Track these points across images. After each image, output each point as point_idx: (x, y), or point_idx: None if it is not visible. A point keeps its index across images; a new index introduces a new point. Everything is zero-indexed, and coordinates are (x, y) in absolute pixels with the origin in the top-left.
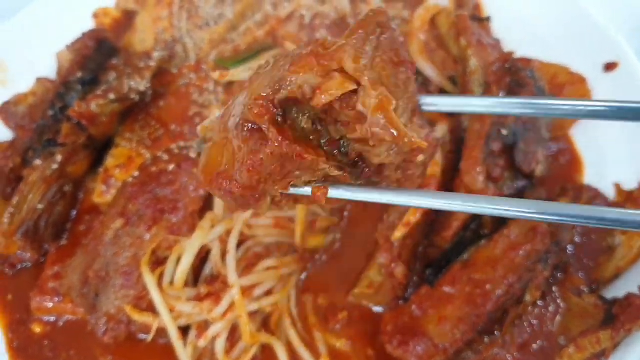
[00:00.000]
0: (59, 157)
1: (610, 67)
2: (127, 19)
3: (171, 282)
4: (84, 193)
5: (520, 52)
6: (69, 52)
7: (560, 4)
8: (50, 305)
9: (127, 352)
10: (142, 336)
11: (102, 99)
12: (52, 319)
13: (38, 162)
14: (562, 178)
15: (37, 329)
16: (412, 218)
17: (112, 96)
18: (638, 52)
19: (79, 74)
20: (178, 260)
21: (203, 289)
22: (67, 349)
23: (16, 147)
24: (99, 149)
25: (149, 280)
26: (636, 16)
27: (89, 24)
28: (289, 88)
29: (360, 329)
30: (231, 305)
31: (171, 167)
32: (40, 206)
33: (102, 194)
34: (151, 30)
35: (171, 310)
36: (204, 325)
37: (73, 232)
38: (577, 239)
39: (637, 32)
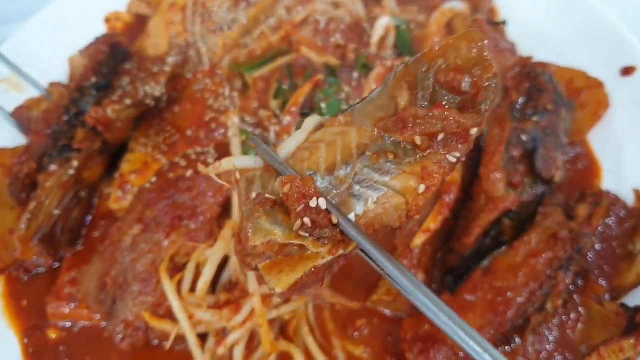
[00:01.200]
0: (75, 163)
1: (627, 71)
2: (139, 23)
3: (190, 289)
4: (99, 198)
5: (535, 56)
6: (81, 57)
7: (574, 8)
8: (67, 311)
9: (144, 358)
10: (156, 342)
11: (118, 105)
12: (68, 324)
13: (53, 167)
14: (581, 183)
15: (52, 334)
16: (432, 225)
17: (128, 101)
18: None
19: (93, 79)
20: (197, 267)
21: (222, 297)
22: (83, 355)
23: (31, 153)
24: (114, 154)
25: (168, 287)
26: None
27: (101, 28)
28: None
29: (379, 336)
30: (250, 313)
31: (189, 173)
32: (56, 212)
33: (118, 199)
34: (164, 34)
35: (190, 318)
36: (222, 333)
37: (88, 237)
38: (597, 246)
39: None
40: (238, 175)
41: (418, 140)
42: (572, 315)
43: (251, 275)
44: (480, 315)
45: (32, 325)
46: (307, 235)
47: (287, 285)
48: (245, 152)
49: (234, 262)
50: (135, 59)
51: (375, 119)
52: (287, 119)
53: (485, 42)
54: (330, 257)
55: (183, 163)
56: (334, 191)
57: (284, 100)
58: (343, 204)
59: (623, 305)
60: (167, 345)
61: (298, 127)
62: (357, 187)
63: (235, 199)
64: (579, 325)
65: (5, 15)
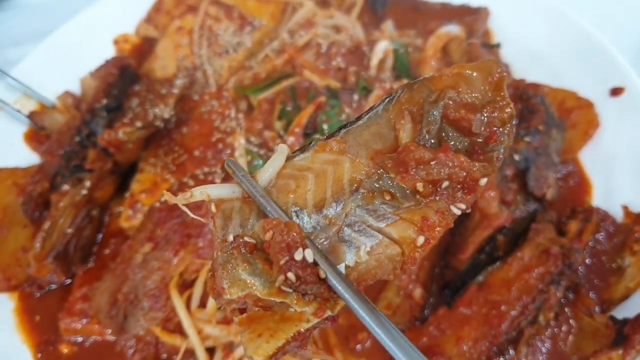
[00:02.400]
0: (87, 183)
1: (616, 92)
2: (146, 45)
3: (199, 305)
4: (109, 217)
5: (528, 77)
6: (92, 78)
7: (566, 29)
8: (79, 326)
9: None
10: (164, 356)
11: (129, 127)
12: (80, 339)
13: (66, 187)
14: (572, 200)
15: (64, 349)
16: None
17: (138, 124)
18: None
19: (104, 101)
20: (205, 283)
21: (229, 312)
22: None
23: (44, 172)
24: (124, 174)
25: (178, 303)
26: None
27: (110, 50)
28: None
29: (380, 348)
30: None
31: None
32: (69, 230)
33: (128, 218)
34: (172, 57)
35: (199, 332)
36: (229, 347)
37: (99, 255)
38: (587, 261)
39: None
40: (213, 208)
41: (420, 186)
42: (564, 328)
43: None
44: (475, 328)
45: (45, 340)
46: (290, 291)
47: (266, 354)
48: (251, 171)
49: None
50: (143, 80)
51: (372, 150)
52: (290, 140)
53: (504, 75)
54: (316, 321)
55: (191, 183)
56: (322, 234)
57: (287, 121)
58: (332, 251)
59: (612, 318)
60: (177, 359)
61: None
62: (347, 231)
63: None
64: (570, 337)
65: (16, 37)
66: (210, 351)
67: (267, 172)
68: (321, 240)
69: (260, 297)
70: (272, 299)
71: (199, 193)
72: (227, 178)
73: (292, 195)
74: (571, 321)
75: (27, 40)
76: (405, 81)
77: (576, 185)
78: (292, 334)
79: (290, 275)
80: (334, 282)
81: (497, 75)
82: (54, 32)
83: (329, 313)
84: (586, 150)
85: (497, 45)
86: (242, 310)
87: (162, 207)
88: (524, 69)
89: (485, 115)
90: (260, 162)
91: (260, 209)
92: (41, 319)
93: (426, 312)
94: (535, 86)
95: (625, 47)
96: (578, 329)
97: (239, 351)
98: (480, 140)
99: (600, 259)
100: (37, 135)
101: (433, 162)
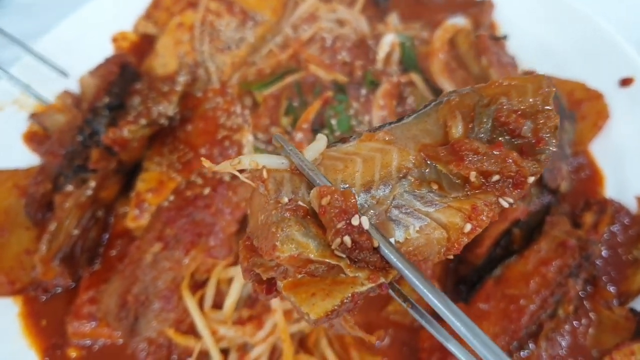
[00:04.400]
0: (92, 183)
1: (625, 82)
2: (145, 42)
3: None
4: (115, 217)
5: (536, 69)
6: (91, 77)
7: (573, 21)
8: (87, 329)
9: None
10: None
11: (134, 125)
12: (88, 343)
13: (69, 187)
14: (585, 192)
15: (72, 353)
16: None
17: (143, 121)
18: None
19: (106, 100)
20: (217, 283)
21: (244, 313)
22: None
23: (46, 173)
24: (128, 174)
25: (191, 303)
26: None
27: (108, 48)
28: None
29: (395, 346)
30: (272, 328)
31: (206, 190)
32: (75, 232)
33: (135, 218)
34: (172, 54)
35: (213, 333)
36: (243, 348)
37: (105, 256)
38: (604, 253)
39: None
40: (265, 174)
41: (472, 176)
42: (583, 321)
43: None
44: (494, 323)
45: (52, 344)
46: (343, 256)
47: (323, 312)
48: None
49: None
50: (144, 78)
51: (420, 143)
52: (299, 136)
53: (553, 90)
54: (370, 285)
55: (200, 181)
56: (371, 211)
57: (294, 117)
58: (381, 227)
59: (632, 310)
60: None
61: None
62: (395, 212)
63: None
64: (590, 331)
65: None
66: (224, 353)
67: (311, 151)
68: (370, 217)
69: (313, 259)
70: (326, 260)
71: (248, 161)
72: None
73: (340, 175)
74: (590, 314)
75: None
76: (413, 74)
77: (588, 177)
78: (348, 295)
79: (347, 239)
80: (387, 251)
81: (546, 89)
82: (49, 31)
83: (382, 280)
84: (596, 142)
85: (504, 37)
86: (267, 288)
87: (171, 206)
88: (530, 61)
89: (534, 122)
90: None
91: (309, 183)
92: (47, 323)
93: None
94: None
95: (630, 38)
96: (597, 322)
97: (254, 352)
98: (528, 143)
99: (616, 251)
100: (36, 136)
101: (487, 155)
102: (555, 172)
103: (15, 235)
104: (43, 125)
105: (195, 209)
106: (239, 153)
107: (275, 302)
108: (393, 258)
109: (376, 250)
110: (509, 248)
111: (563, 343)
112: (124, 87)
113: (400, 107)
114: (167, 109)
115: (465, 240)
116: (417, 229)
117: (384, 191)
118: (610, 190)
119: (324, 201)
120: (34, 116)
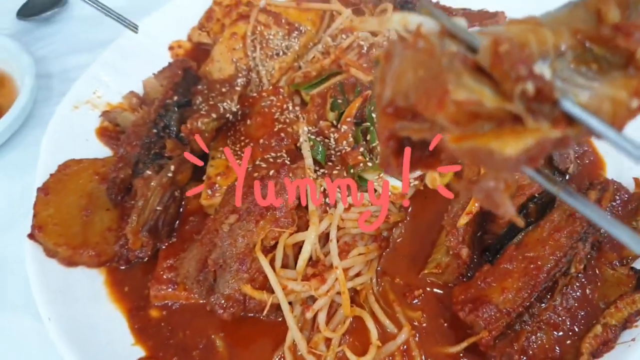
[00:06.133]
0: (172, 167)
1: None
2: (198, 51)
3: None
4: (186, 199)
5: None
6: (156, 79)
7: None
8: (167, 292)
9: (237, 328)
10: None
11: (207, 118)
12: (168, 303)
13: (148, 172)
14: (589, 175)
15: (154, 313)
16: (474, 208)
17: (214, 115)
18: None
19: (175, 98)
20: (283, 247)
21: (309, 270)
22: (183, 329)
23: (125, 161)
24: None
25: (264, 263)
26: None
27: (166, 55)
28: None
29: (432, 303)
30: (333, 283)
31: (271, 172)
32: (158, 208)
33: (208, 197)
34: (227, 59)
35: (283, 289)
36: (306, 302)
37: (180, 231)
38: None
39: None
40: (423, 29)
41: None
42: (591, 279)
43: (334, 252)
44: (517, 279)
45: (135, 306)
46: (521, 106)
47: (520, 148)
48: (314, 155)
49: (315, 243)
50: (203, 81)
51: (572, 27)
52: (344, 128)
53: None
54: (557, 133)
55: (263, 165)
56: None
57: (339, 112)
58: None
59: (632, 268)
60: (264, 313)
61: (353, 135)
62: (558, 82)
63: (398, 68)
64: (597, 286)
65: (74, 45)
66: (290, 305)
67: (459, 22)
68: None
69: (489, 107)
70: (505, 106)
71: (398, 19)
72: (294, 161)
73: None
74: (597, 272)
75: (83, 49)
76: None
77: (591, 162)
78: (540, 138)
79: (529, 86)
80: (570, 105)
81: None
82: (114, 40)
83: (569, 132)
84: None
85: None
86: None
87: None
88: None
89: None
90: (321, 148)
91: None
92: (129, 289)
93: (469, 274)
94: None
95: None
96: (602, 280)
97: (318, 304)
98: None
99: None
100: (106, 131)
101: None
102: (565, 156)
103: (99, 215)
104: (114, 122)
105: (262, 187)
106: (295, 142)
107: (336, 261)
108: (579, 111)
109: (555, 105)
110: (527, 219)
111: (575, 295)
112: (187, 88)
113: None
114: (231, 105)
115: (630, 117)
116: (587, 97)
117: (543, 64)
118: (611, 173)
119: (503, 48)
120: (104, 114)
